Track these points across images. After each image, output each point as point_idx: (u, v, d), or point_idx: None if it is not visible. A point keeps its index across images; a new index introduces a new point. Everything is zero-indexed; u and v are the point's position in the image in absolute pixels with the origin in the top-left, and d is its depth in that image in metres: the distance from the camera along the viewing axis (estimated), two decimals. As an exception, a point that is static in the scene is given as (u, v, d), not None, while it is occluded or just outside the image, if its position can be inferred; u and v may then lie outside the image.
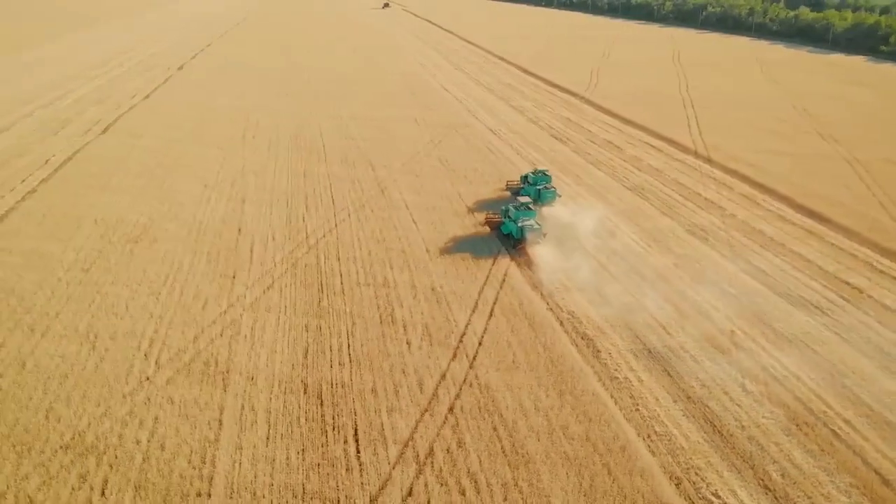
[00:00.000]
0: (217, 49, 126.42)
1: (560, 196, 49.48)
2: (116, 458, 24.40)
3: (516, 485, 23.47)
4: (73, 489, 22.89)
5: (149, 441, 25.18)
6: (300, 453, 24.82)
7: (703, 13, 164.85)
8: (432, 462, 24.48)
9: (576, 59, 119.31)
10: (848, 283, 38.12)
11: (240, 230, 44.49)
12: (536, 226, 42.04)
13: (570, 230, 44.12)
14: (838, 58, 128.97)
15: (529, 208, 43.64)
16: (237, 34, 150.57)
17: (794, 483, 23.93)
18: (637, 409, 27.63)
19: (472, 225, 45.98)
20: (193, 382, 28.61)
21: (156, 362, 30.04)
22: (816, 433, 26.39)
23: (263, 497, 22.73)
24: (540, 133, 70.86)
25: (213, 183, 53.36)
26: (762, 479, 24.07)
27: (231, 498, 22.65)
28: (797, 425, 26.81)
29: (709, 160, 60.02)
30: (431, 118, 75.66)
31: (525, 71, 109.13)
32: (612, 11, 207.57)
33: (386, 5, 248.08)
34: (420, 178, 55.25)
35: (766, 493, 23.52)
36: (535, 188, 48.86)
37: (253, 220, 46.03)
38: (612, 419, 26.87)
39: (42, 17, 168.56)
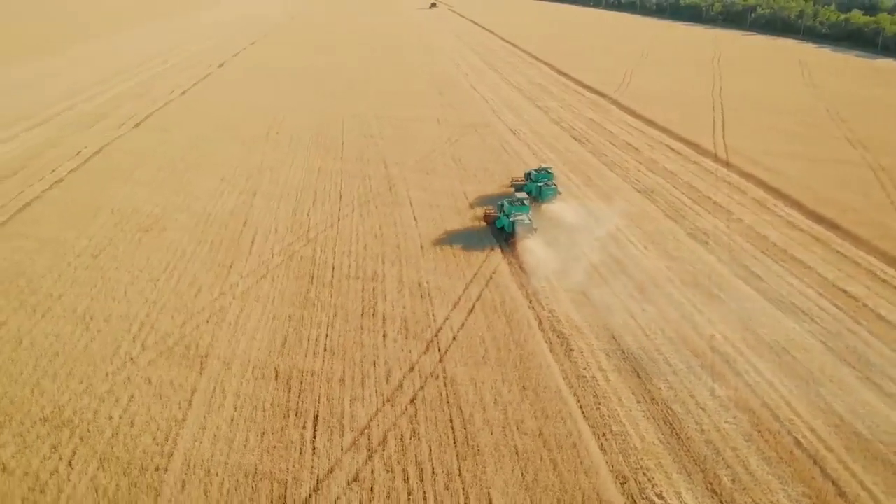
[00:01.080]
0: (260, 48, 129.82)
1: (560, 192, 49.50)
2: (88, 431, 25.81)
3: (460, 475, 23.90)
4: (43, 458, 24.36)
5: (120, 417, 26.54)
6: (260, 436, 25.77)
7: (752, 15, 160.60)
8: (384, 450, 25.11)
9: (612, 59, 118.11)
10: (845, 292, 37.11)
11: (245, 222, 45.98)
12: (527, 221, 42.39)
13: (568, 229, 44.24)
14: (885, 63, 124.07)
15: (523, 203, 44.01)
16: (282, 33, 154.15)
17: (744, 489, 23.66)
18: (598, 408, 27.68)
19: (472, 221, 46.40)
20: (173, 365, 29.93)
21: (142, 345, 31.51)
22: (778, 441, 25.98)
23: (216, 475, 23.74)
24: (560, 133, 70.64)
25: (230, 177, 55.14)
26: (711, 484, 23.88)
27: (185, 474, 23.75)
28: (759, 432, 26.43)
29: (727, 164, 58.90)
30: (454, 117, 76.23)
31: (558, 71, 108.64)
32: (661, 12, 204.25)
33: (433, 5, 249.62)
34: (430, 176, 55.92)
35: (713, 497, 23.34)
36: (535, 185, 49.03)
37: (260, 213, 47.48)
38: (570, 416, 27.00)
39: (98, 15, 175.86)
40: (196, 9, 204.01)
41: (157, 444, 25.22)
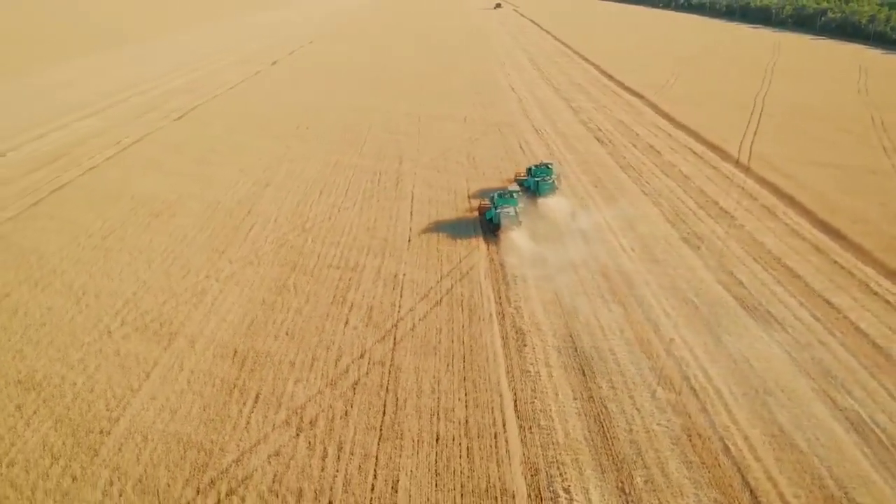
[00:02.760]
0: (315, 47, 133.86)
1: (558, 188, 49.75)
2: (52, 395, 28.11)
3: (376, 457, 24.80)
4: (7, 416, 26.76)
5: (83, 384, 28.74)
6: (202, 409, 27.41)
7: (822, 18, 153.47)
8: (312, 428, 26.27)
9: (663, 61, 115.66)
10: (828, 302, 35.81)
11: (249, 211, 48.15)
12: (513, 213, 43.22)
13: (557, 225, 44.41)
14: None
15: (512, 196, 44.84)
16: (341, 33, 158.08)
17: (654, 490, 23.58)
18: (532, 402, 27.98)
19: (467, 218, 46.94)
20: (143, 340, 32.05)
21: (122, 320, 33.83)
22: (706, 446, 25.64)
23: (151, 440, 25.50)
24: (585, 134, 70.15)
25: (249, 168, 57.66)
26: (623, 483, 23.89)
27: (125, 438, 25.60)
28: (689, 436, 26.14)
29: (746, 169, 57.24)
30: (482, 116, 76.81)
31: (603, 72, 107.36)
32: (730, 14, 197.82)
33: (498, 6, 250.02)
34: (439, 173, 56.80)
35: (620, 496, 23.38)
36: (534, 180, 49.48)
37: (266, 204, 49.59)
38: (501, 408, 27.43)
39: (170, 13, 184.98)
40: (265, 9, 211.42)
41: (108, 410, 27.19)
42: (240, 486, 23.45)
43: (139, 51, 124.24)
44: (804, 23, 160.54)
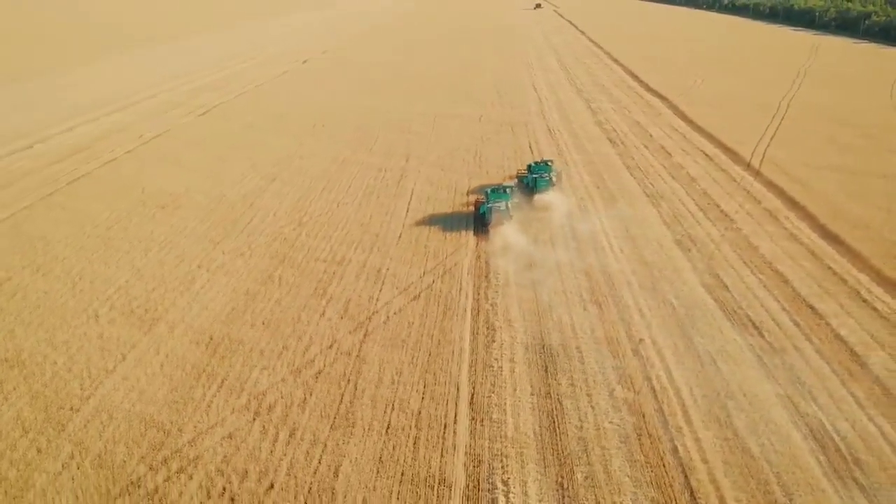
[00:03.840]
0: (348, 46, 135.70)
1: (555, 184, 50.29)
2: (32, 373, 29.63)
3: (324, 444, 25.47)
4: (-12, 391, 28.30)
5: (63, 364, 30.18)
6: (169, 391, 28.53)
7: (866, 22, 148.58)
8: (268, 414, 27.10)
9: (693, 62, 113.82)
10: (812, 308, 35.08)
11: (251, 205, 49.49)
12: (503, 208, 43.93)
13: (551, 225, 44.58)
14: None
15: (505, 192, 45.48)
16: (377, 32, 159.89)
17: (593, 487, 23.67)
18: (489, 396, 28.28)
19: (461, 215, 47.35)
20: (126, 324, 33.43)
21: (111, 305, 35.33)
22: (654, 446, 25.56)
23: (115, 419, 26.70)
24: (598, 135, 69.77)
25: (259, 164, 59.17)
26: (562, 478, 24.04)
27: (91, 415, 26.87)
28: (639, 435, 26.09)
29: (756, 173, 56.17)
30: (497, 116, 77.03)
31: (630, 73, 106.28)
32: (773, 17, 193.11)
33: (538, 6, 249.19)
34: (443, 171, 57.31)
35: (558, 491, 23.54)
36: (531, 176, 50.07)
37: (269, 198, 50.88)
38: (455, 400, 27.80)
39: (208, 12, 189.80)
40: (304, 10, 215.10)
41: (82, 389, 28.53)
42: (190, 464, 24.39)
43: (174, 49, 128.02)
44: (848, 26, 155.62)
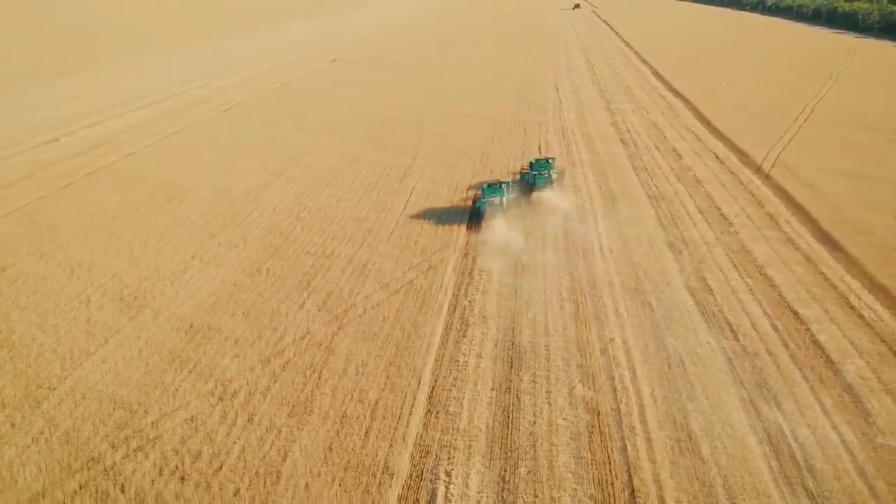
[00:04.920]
0: (380, 45, 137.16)
1: (554, 181, 50.43)
2: (19, 353, 31.20)
3: (279, 430, 26.21)
4: (-24, 369, 29.91)
5: (48, 345, 31.69)
6: (142, 374, 29.68)
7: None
8: (231, 399, 28.00)
9: (724, 64, 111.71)
10: (795, 313, 34.38)
11: (255, 199, 50.82)
12: (497, 202, 44.69)
13: (544, 223, 44.77)
14: None
15: (500, 187, 46.20)
16: (411, 30, 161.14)
17: (534, 481, 23.82)
18: (449, 390, 28.63)
19: (458, 211, 47.78)
20: (115, 310, 34.83)
21: (103, 292, 36.83)
22: (604, 444, 25.57)
23: (87, 399, 27.96)
24: (612, 136, 69.28)
25: (270, 160, 60.58)
26: (505, 471, 24.25)
27: (66, 394, 28.19)
28: (591, 433, 26.12)
29: (766, 176, 55.06)
30: (512, 116, 77.11)
31: (656, 74, 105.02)
32: (816, 18, 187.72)
33: (577, 6, 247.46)
34: (448, 169, 57.76)
35: (499, 484, 23.77)
36: (531, 173, 50.63)
37: (272, 193, 52.12)
38: (414, 393, 28.23)
39: (256, 13, 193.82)
40: (343, 8, 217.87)
41: (62, 370, 29.92)
42: (148, 444, 25.41)
43: (212, 49, 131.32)
44: (891, 29, 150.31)
